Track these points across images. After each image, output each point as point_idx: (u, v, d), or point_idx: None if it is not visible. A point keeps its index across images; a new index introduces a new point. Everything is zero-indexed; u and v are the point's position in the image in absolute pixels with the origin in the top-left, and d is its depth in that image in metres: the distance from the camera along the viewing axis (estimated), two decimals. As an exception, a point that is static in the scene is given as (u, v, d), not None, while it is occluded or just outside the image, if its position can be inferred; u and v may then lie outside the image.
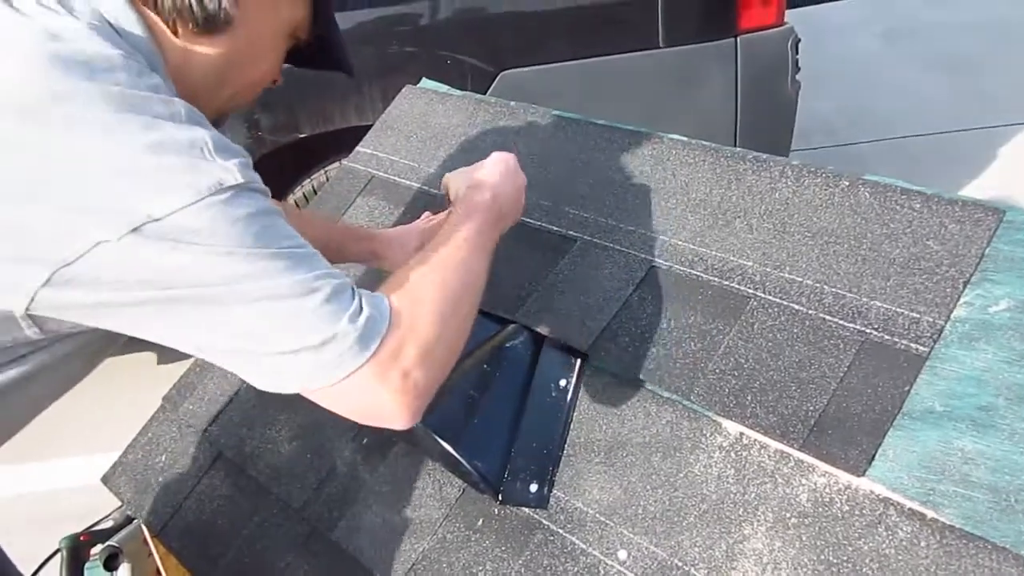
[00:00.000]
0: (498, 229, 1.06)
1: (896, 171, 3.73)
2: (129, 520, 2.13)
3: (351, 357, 0.78)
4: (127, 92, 0.76)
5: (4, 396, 0.91)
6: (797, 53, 2.39)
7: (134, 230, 0.71)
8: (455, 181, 1.13)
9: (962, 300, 0.98)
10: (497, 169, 1.10)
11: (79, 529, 2.13)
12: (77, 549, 2.07)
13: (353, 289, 0.82)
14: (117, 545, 2.03)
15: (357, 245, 1.38)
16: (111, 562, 2.03)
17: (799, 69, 2.42)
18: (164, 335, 0.79)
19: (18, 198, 0.73)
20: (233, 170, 0.76)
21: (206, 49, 0.91)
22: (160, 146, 0.74)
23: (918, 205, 1.06)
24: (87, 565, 2.07)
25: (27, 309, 0.76)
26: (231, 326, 0.76)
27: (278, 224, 0.79)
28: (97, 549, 2.08)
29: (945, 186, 1.07)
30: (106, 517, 2.21)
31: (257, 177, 0.79)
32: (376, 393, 0.80)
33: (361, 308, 0.80)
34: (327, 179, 2.52)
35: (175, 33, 0.88)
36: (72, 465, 2.68)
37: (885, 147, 3.95)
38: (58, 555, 2.08)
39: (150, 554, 1.67)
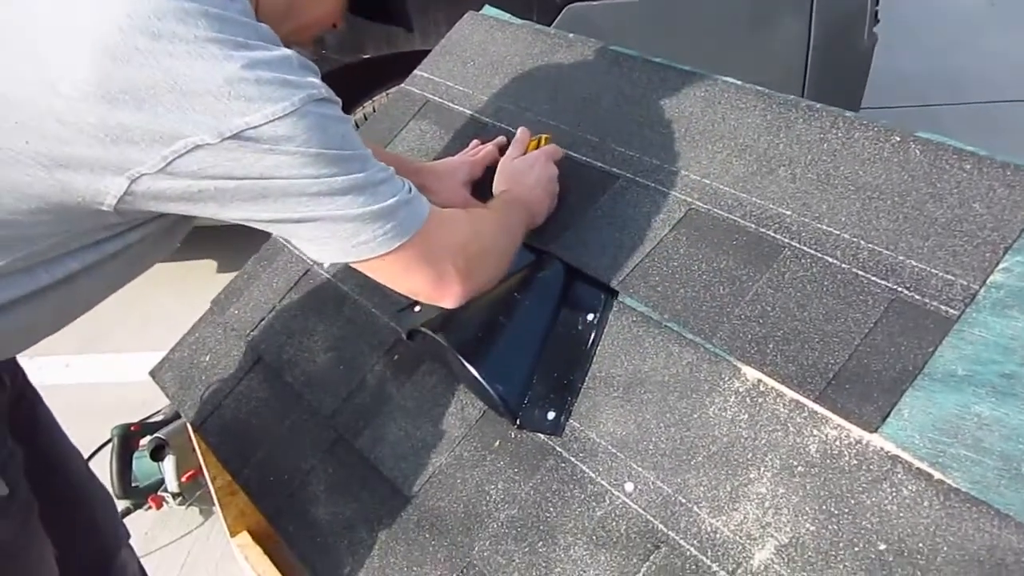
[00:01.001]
0: (529, 222, 1.25)
1: (976, 137, 3.58)
2: (177, 415, 2.24)
3: (399, 231, 0.95)
4: (223, 13, 0.85)
5: (74, 281, 0.99)
6: (877, 4, 2.29)
7: (234, 135, 0.82)
8: (505, 166, 1.33)
9: (1001, 266, 0.95)
10: (541, 173, 1.29)
11: (132, 420, 2.26)
12: (127, 438, 2.20)
13: (406, 183, 1.00)
14: (164, 438, 2.15)
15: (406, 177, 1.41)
16: (158, 453, 2.15)
17: (878, 21, 2.33)
18: (249, 217, 0.92)
19: (127, 102, 0.81)
20: (318, 84, 0.89)
21: None
22: (256, 64, 0.84)
23: (968, 166, 1.03)
24: (136, 454, 2.20)
25: (125, 191, 0.86)
26: (316, 210, 0.90)
27: (351, 131, 0.94)
28: (146, 440, 2.21)
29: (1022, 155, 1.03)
30: (157, 412, 2.33)
31: (331, 91, 0.92)
32: (429, 268, 1.01)
33: (412, 195, 0.99)
34: (387, 99, 2.54)
35: None
36: (129, 360, 2.80)
37: (966, 112, 3.79)
38: (110, 443, 2.21)
39: (194, 449, 1.76)
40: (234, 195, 0.88)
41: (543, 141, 1.37)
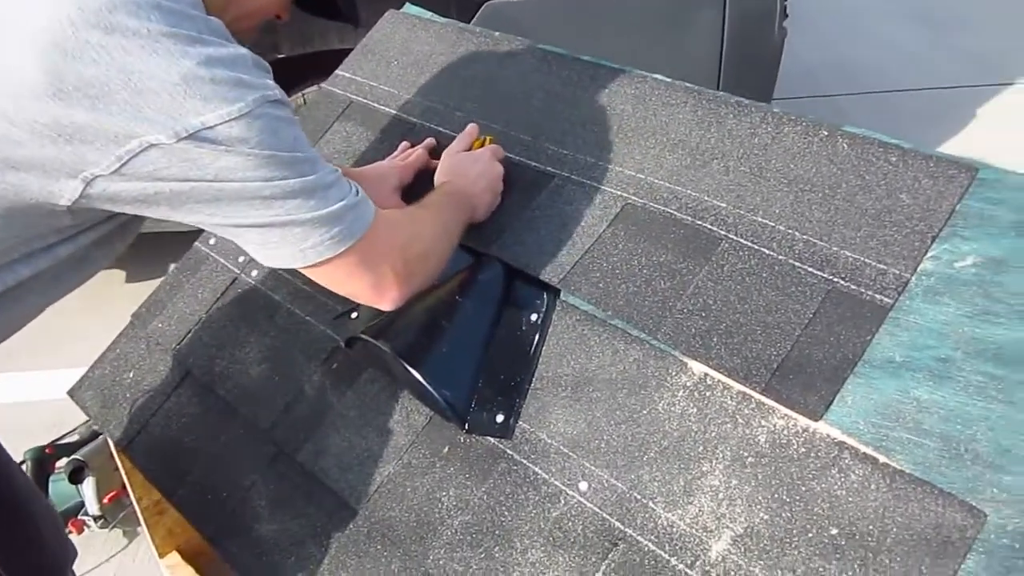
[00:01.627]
0: (470, 216, 1.24)
1: (876, 126, 3.73)
2: (95, 435, 2.14)
3: (347, 235, 0.96)
4: (175, 7, 0.84)
5: (24, 288, 0.97)
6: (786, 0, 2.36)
7: (190, 136, 0.81)
8: (449, 158, 1.32)
9: (929, 254, 0.99)
10: (486, 169, 1.28)
11: (44, 442, 2.14)
12: (42, 461, 2.09)
13: (353, 186, 1.00)
14: (82, 459, 2.05)
15: None
16: (76, 475, 2.05)
17: (787, 16, 2.40)
18: (201, 221, 0.92)
19: (80, 100, 0.79)
20: (272, 85, 0.88)
21: None
22: (211, 61, 0.83)
23: (894, 159, 1.07)
24: (52, 477, 2.09)
25: (80, 194, 0.85)
26: (266, 214, 0.90)
27: (301, 133, 0.93)
28: (63, 462, 2.10)
29: (924, 143, 1.08)
30: (72, 431, 2.22)
31: (283, 92, 0.91)
32: (369, 272, 1.01)
33: (359, 199, 0.99)
34: (304, 102, 2.48)
35: None
36: (37, 378, 2.67)
37: (867, 100, 3.95)
38: (23, 466, 2.09)
39: (116, 468, 1.69)
40: (188, 198, 0.87)
41: (487, 141, 1.36)
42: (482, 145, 1.35)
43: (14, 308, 0.99)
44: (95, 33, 0.79)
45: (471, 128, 1.37)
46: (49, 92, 0.78)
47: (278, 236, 0.93)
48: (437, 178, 1.30)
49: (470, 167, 1.28)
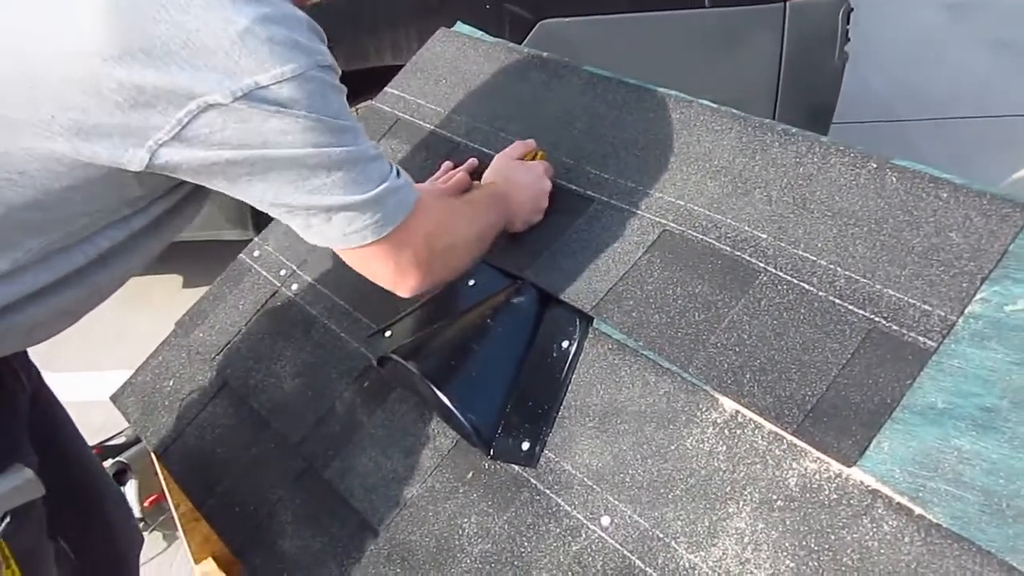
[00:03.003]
0: (506, 222, 1.23)
1: (943, 153, 3.64)
2: (140, 439, 2.18)
3: (388, 220, 0.96)
4: None
5: (107, 259, 1.01)
6: (848, 23, 2.30)
7: (244, 95, 0.82)
8: (502, 161, 1.31)
9: (978, 296, 0.94)
10: (535, 182, 1.27)
11: (92, 443, 2.19)
12: (88, 462, 2.14)
13: (394, 167, 1.00)
14: (126, 461, 2.09)
15: None
16: (119, 477, 2.09)
17: (849, 40, 2.34)
18: (253, 196, 0.93)
19: (144, 61, 0.80)
20: (325, 51, 0.89)
21: None
22: (267, 20, 0.82)
23: (945, 194, 1.02)
24: (96, 478, 2.14)
25: (146, 165, 0.87)
26: (312, 188, 0.91)
27: (346, 103, 0.93)
28: (108, 464, 2.15)
29: (992, 173, 1.03)
30: (119, 433, 2.27)
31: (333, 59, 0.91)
32: (395, 258, 1.00)
33: (402, 179, 1.00)
34: (356, 116, 2.50)
35: None
36: (89, 379, 2.73)
37: (935, 127, 3.83)
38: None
39: (156, 473, 1.71)
40: (241, 169, 0.88)
41: (539, 156, 1.35)
42: (534, 158, 1.34)
43: (99, 277, 1.03)
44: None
45: (530, 141, 1.36)
46: (115, 54, 0.80)
47: (322, 219, 0.94)
48: (485, 177, 1.30)
49: (521, 175, 1.27)
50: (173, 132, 0.84)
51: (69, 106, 0.83)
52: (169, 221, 1.06)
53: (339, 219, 0.94)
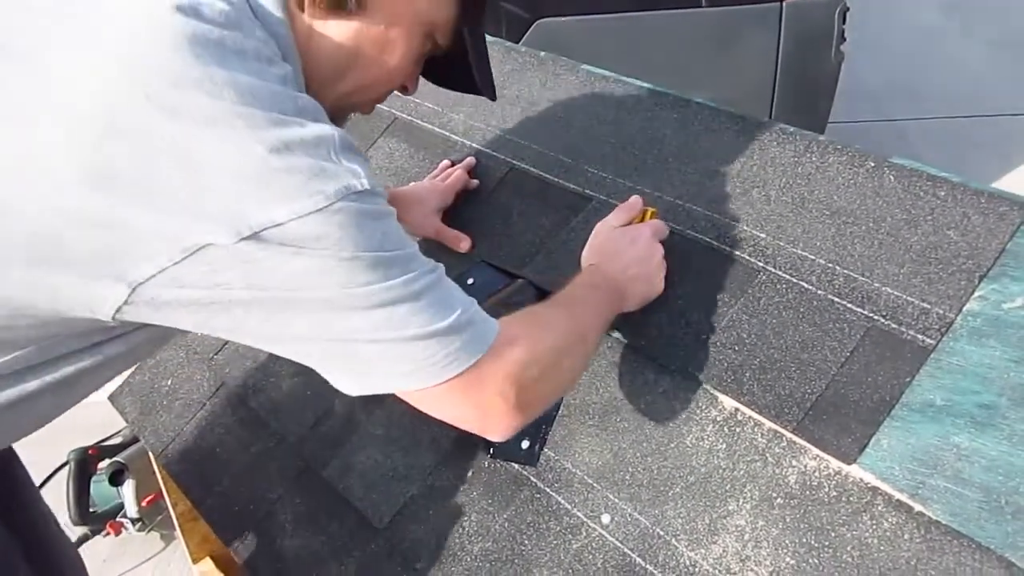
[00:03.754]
0: (617, 308, 1.05)
1: (939, 152, 3.65)
2: (137, 439, 2.18)
3: (458, 358, 0.78)
4: (256, 84, 0.71)
5: (70, 383, 0.87)
6: (845, 23, 2.31)
7: (254, 235, 0.68)
8: (602, 233, 1.12)
9: (976, 294, 0.95)
10: (644, 252, 1.09)
11: (88, 443, 2.19)
12: (84, 462, 2.14)
13: (467, 300, 0.83)
14: (123, 461, 2.09)
15: None
16: (117, 477, 2.09)
17: (845, 40, 2.34)
18: (262, 337, 0.77)
19: (134, 194, 0.68)
20: (359, 173, 0.74)
21: (332, 31, 0.84)
22: (287, 147, 0.70)
23: (943, 193, 1.03)
24: (93, 478, 2.14)
25: (125, 301, 0.73)
26: (341, 329, 0.74)
27: (393, 227, 0.78)
28: (104, 464, 2.14)
29: (988, 172, 1.03)
30: (116, 434, 2.27)
31: (374, 179, 0.76)
32: (475, 399, 0.81)
33: (472, 312, 0.81)
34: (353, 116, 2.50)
35: (300, 7, 0.81)
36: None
37: (932, 126, 3.84)
38: (66, 467, 2.14)
39: (154, 473, 1.71)
40: (252, 308, 0.73)
41: (648, 215, 1.16)
42: (643, 219, 1.15)
43: (63, 398, 0.89)
44: (161, 118, 0.67)
45: (634, 200, 1.15)
46: (98, 181, 0.68)
47: (362, 361, 0.77)
48: (585, 256, 1.11)
49: (625, 249, 1.08)
50: (162, 267, 0.70)
51: (40, 230, 0.70)
52: (148, 347, 0.93)
53: (390, 358, 0.77)
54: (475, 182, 1.41)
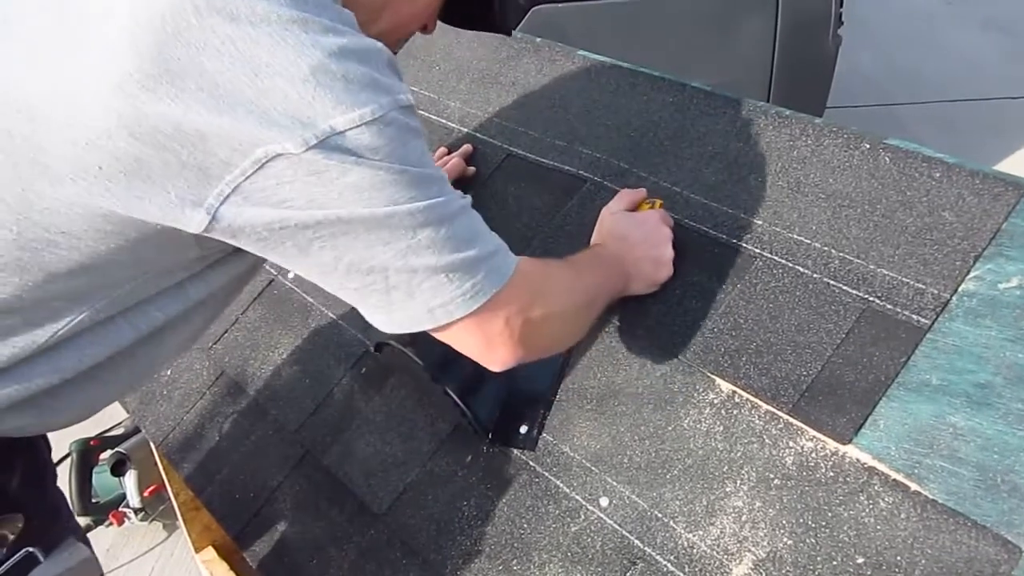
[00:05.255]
0: (622, 286, 1.07)
1: (936, 135, 3.64)
2: (138, 429, 2.19)
3: (482, 289, 0.81)
4: None
5: (159, 336, 0.90)
6: (841, 6, 2.30)
7: (319, 143, 0.70)
8: (608, 218, 1.13)
9: (972, 274, 0.95)
10: (651, 236, 1.09)
11: (90, 434, 2.20)
12: (86, 453, 2.15)
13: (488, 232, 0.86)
14: (125, 452, 2.10)
15: None
16: (119, 467, 2.10)
17: (842, 23, 2.34)
18: (323, 262, 0.79)
19: (203, 100, 0.69)
20: (405, 89, 0.77)
21: None
22: (343, 53, 0.72)
23: (938, 174, 1.03)
24: (95, 469, 2.15)
25: (205, 228, 0.75)
26: (394, 253, 0.77)
27: (427, 148, 0.81)
28: (106, 454, 2.15)
29: (984, 155, 1.04)
30: (117, 424, 2.28)
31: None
32: (485, 330, 0.85)
33: (496, 243, 0.85)
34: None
35: None
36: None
37: (928, 110, 3.84)
38: (68, 458, 2.15)
39: (156, 463, 1.72)
40: (314, 232, 0.75)
41: (656, 205, 1.16)
42: (650, 208, 1.16)
43: (152, 356, 0.93)
44: (219, 20, 0.69)
45: (640, 191, 1.18)
46: (170, 92, 0.69)
47: (404, 293, 0.79)
48: (593, 240, 1.13)
49: (631, 230, 1.09)
50: (235, 184, 0.72)
51: (120, 155, 0.71)
52: (227, 292, 0.95)
53: (425, 290, 0.79)
54: (472, 169, 1.41)
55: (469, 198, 0.84)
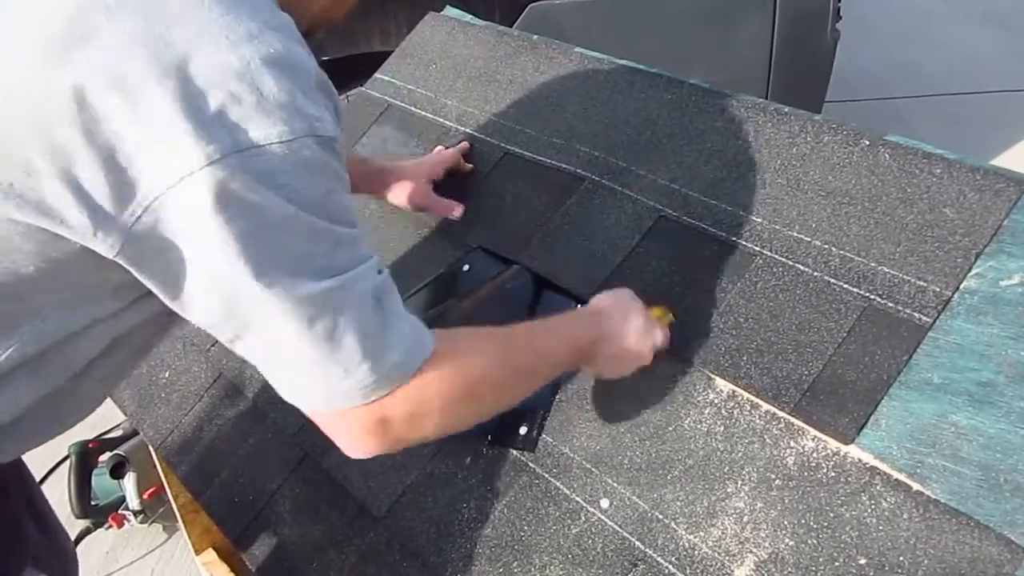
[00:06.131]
0: (580, 364, 0.99)
1: (937, 130, 3.63)
2: (137, 431, 2.18)
3: (377, 388, 0.74)
4: None
5: (80, 377, 0.87)
6: (839, 1, 2.29)
7: (219, 159, 0.66)
8: (614, 294, 1.04)
9: (973, 271, 0.94)
10: (632, 327, 0.98)
11: (89, 436, 2.19)
12: (85, 455, 2.14)
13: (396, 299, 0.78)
14: (124, 454, 2.09)
15: (368, 180, 1.36)
16: (118, 470, 2.09)
17: (840, 18, 2.33)
18: (209, 309, 0.73)
19: (113, 106, 0.66)
20: (328, 120, 0.71)
21: None
22: (266, 64, 0.67)
23: (938, 170, 1.02)
24: (95, 471, 2.14)
25: (118, 253, 0.71)
26: (296, 306, 0.70)
27: (345, 197, 0.75)
28: (105, 457, 2.14)
29: (985, 149, 1.03)
30: (116, 427, 2.27)
31: (338, 129, 0.74)
32: (354, 429, 0.77)
33: (414, 324, 0.78)
34: (347, 103, 2.49)
35: None
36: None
37: (929, 104, 3.82)
38: (67, 460, 2.14)
39: (155, 465, 1.71)
40: (204, 259, 0.70)
41: (666, 318, 1.06)
42: (660, 315, 1.06)
43: (87, 388, 0.89)
44: (132, 20, 0.67)
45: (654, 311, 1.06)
46: (79, 95, 0.66)
47: (307, 363, 0.73)
48: (595, 301, 1.04)
49: (628, 319, 0.99)
50: (146, 205, 0.68)
51: (32, 169, 0.68)
52: (159, 326, 0.90)
53: (303, 373, 0.74)
54: (469, 166, 1.40)
55: (381, 272, 0.78)
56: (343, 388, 0.73)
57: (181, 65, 0.66)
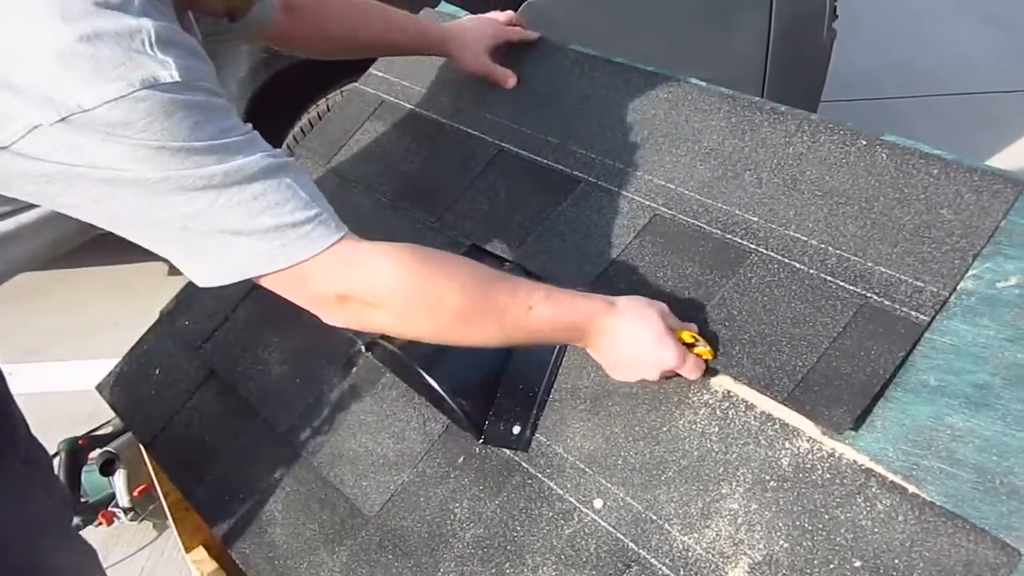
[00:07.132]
0: (572, 336, 1.00)
1: (932, 130, 3.63)
2: (127, 428, 2.16)
3: (283, 253, 0.84)
4: None
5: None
6: (835, 0, 2.29)
7: (64, 119, 0.73)
8: (631, 298, 1.01)
9: (970, 273, 0.94)
10: (641, 334, 0.97)
11: (78, 433, 2.17)
12: (75, 452, 2.11)
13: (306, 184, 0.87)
14: (114, 451, 2.07)
15: (431, 46, 1.44)
16: (108, 467, 2.07)
17: (836, 18, 2.32)
18: (104, 216, 0.82)
19: None
20: (170, 65, 0.77)
21: None
22: (97, 35, 0.74)
23: (936, 171, 1.02)
24: (84, 468, 2.11)
25: None
26: (164, 215, 0.80)
27: (216, 116, 0.81)
28: (95, 454, 2.12)
29: (980, 150, 1.02)
30: (106, 423, 2.24)
31: (200, 69, 0.81)
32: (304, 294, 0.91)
33: (311, 207, 0.85)
34: (341, 99, 2.48)
35: None
36: (75, 368, 2.70)
37: (924, 104, 3.82)
38: (57, 457, 2.12)
39: (145, 462, 1.70)
40: (87, 185, 0.78)
41: (700, 348, 0.99)
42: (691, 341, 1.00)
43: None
44: None
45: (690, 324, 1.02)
46: None
47: (193, 246, 0.83)
48: (625, 300, 1.00)
49: (641, 324, 0.97)
50: (5, 145, 0.76)
51: None
52: (47, 233, 0.95)
53: (213, 249, 0.83)
54: (535, 34, 1.48)
55: (286, 159, 0.85)
56: (259, 253, 0.84)
57: (24, 47, 0.73)
